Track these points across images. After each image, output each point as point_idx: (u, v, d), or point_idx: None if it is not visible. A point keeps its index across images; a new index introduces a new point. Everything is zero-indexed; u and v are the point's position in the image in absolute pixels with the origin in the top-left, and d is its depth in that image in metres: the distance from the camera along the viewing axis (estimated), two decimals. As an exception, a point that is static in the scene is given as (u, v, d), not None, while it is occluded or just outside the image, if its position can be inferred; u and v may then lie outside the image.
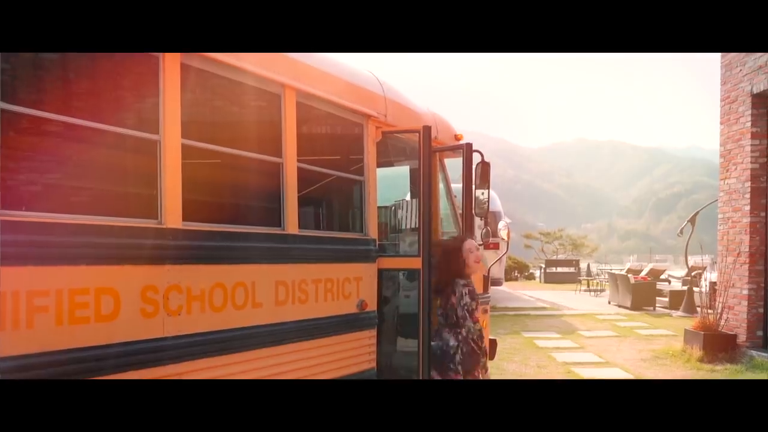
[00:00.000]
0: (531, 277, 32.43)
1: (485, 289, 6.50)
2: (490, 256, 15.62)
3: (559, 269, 29.81)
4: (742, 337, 9.21)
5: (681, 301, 15.64)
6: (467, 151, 5.10)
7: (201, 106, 3.83)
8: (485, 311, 6.52)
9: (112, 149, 3.35)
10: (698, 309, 14.17)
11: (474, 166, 5.56)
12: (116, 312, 2.80)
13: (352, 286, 4.34)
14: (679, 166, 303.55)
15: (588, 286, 22.74)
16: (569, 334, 11.97)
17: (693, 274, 16.59)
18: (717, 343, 9.11)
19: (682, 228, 15.35)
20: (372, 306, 4.54)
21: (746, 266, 9.18)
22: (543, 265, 30.84)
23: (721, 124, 9.95)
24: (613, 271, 22.15)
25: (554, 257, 34.50)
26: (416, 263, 4.59)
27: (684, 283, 17.86)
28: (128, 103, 3.55)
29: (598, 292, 21.48)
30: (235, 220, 3.62)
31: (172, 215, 3.08)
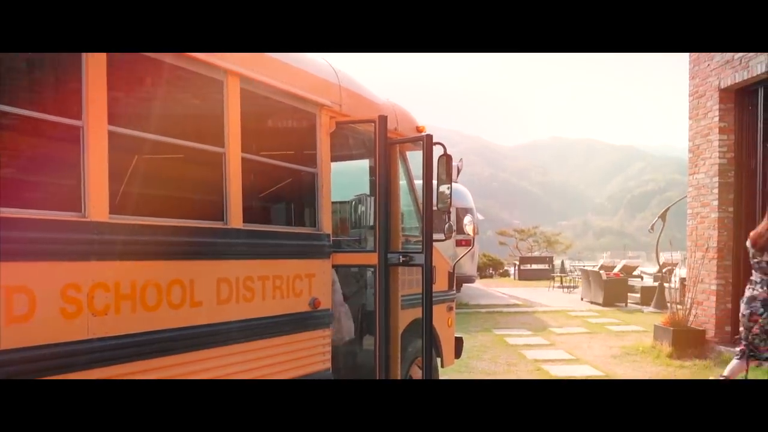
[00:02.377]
0: (505, 274, 32.45)
1: (450, 287, 6.35)
2: (460, 252, 15.52)
3: (533, 266, 29.85)
4: (710, 333, 9.17)
5: (652, 297, 15.69)
6: (427, 142, 4.91)
7: (133, 90, 3.59)
8: (450, 309, 6.36)
9: (32, 137, 3.11)
10: (668, 305, 14.24)
11: (440, 160, 5.41)
12: (31, 312, 2.57)
13: (303, 283, 4.14)
14: (652, 164, 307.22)
15: (561, 283, 22.77)
16: (540, 331, 11.89)
17: (664, 270, 16.63)
18: (686, 339, 9.06)
19: (653, 224, 15.36)
20: (326, 304, 4.34)
21: (714, 261, 9.14)
22: (517, 262, 30.87)
23: (690, 119, 9.91)
24: (585, 268, 22.19)
25: (529, 254, 34.57)
26: (372, 259, 4.40)
27: (655, 279, 17.93)
28: (49, 87, 3.30)
29: (571, 289, 21.52)
30: (171, 213, 3.40)
31: (97, 208, 2.84)
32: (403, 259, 4.99)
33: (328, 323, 4.37)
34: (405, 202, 5.88)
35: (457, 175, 18.06)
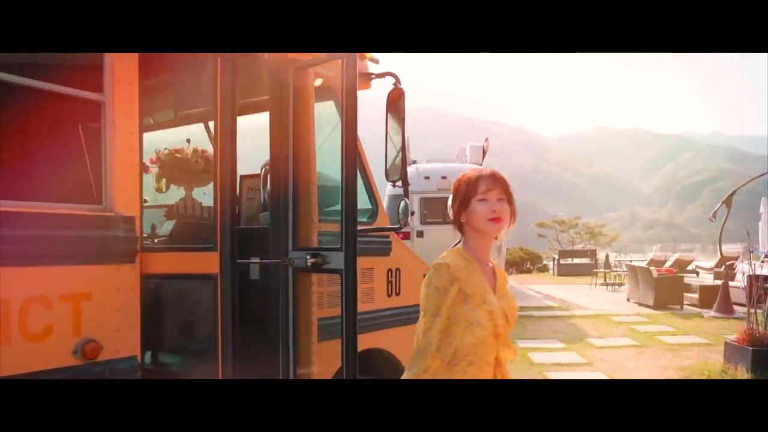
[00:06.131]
0: (544, 269, 29.95)
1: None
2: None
3: (575, 260, 27.29)
4: (805, 353, 6.81)
5: (714, 298, 13.10)
6: (348, 66, 2.84)
7: None
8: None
9: None
10: (734, 308, 11.77)
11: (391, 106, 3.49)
12: None
13: (60, 312, 2.10)
14: (702, 153, 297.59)
15: (605, 280, 20.22)
16: (576, 343, 9.63)
17: (726, 264, 14.13)
18: (772, 363, 6.70)
19: (715, 211, 12.90)
20: (123, 349, 2.29)
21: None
22: (556, 256, 28.33)
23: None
24: (632, 263, 19.61)
25: (570, 248, 31.97)
26: (210, 264, 2.33)
27: (717, 276, 15.35)
28: None
29: (617, 287, 19.00)
30: None
31: None
32: (312, 261, 2.98)
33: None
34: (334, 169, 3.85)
35: (483, 158, 15.91)
